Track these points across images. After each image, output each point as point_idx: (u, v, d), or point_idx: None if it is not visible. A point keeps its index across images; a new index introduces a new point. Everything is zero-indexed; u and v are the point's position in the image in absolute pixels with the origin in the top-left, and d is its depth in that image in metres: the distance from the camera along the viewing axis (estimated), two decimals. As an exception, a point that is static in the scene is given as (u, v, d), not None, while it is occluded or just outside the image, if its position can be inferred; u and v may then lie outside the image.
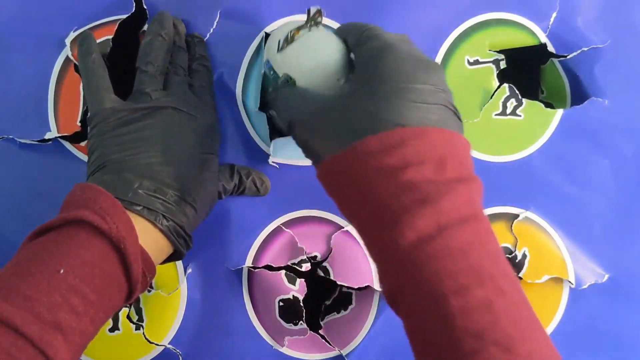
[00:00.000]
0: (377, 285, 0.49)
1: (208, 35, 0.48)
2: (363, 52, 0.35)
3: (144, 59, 0.43)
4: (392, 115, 0.31)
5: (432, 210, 0.29)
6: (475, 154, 0.50)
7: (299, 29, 0.38)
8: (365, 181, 0.31)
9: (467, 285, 0.29)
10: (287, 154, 0.49)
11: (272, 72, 0.40)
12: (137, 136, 0.40)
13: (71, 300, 0.33)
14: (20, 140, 0.47)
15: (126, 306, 0.45)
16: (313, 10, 0.38)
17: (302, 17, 0.48)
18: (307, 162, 0.49)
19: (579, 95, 0.51)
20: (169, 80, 0.44)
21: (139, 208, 0.38)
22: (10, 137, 0.47)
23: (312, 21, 0.38)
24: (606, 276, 0.51)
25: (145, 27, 0.47)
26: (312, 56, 0.38)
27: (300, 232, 0.49)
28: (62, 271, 0.33)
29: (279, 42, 0.38)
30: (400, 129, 0.31)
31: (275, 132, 0.49)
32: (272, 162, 0.49)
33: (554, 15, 0.50)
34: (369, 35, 0.36)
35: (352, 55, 0.38)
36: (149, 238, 0.38)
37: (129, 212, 0.37)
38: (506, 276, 0.30)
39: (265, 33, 0.48)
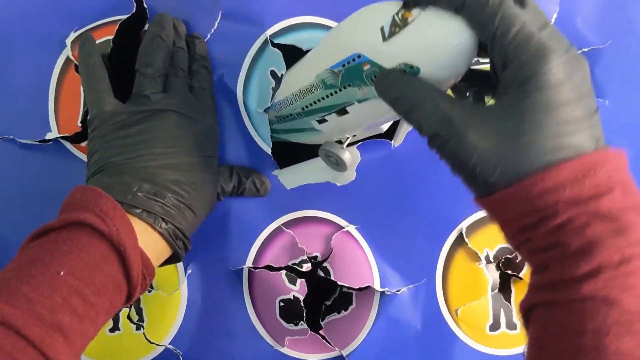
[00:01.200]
0: (377, 286, 0.49)
1: (209, 36, 0.48)
2: (520, 61, 0.29)
3: (144, 61, 0.43)
4: (573, 140, 0.29)
5: (622, 241, 0.29)
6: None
7: (406, 9, 0.32)
8: (550, 210, 0.30)
9: (630, 321, 0.29)
10: (293, 180, 0.49)
11: (370, 69, 0.34)
12: (137, 139, 0.40)
13: (72, 302, 0.33)
14: (21, 140, 0.47)
15: (126, 306, 0.45)
16: None
17: (302, 19, 0.48)
18: (314, 180, 0.49)
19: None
20: (169, 82, 0.44)
21: (138, 211, 0.38)
22: (11, 137, 0.47)
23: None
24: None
25: (147, 28, 0.47)
26: (444, 40, 0.31)
27: (301, 232, 0.49)
28: (62, 273, 0.33)
29: (382, 29, 0.33)
30: (587, 156, 0.29)
31: (281, 157, 0.49)
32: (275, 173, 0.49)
33: (555, 16, 0.50)
34: (522, 36, 0.29)
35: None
36: (148, 240, 0.39)
37: (128, 214, 0.37)
38: None
39: (268, 38, 0.48)
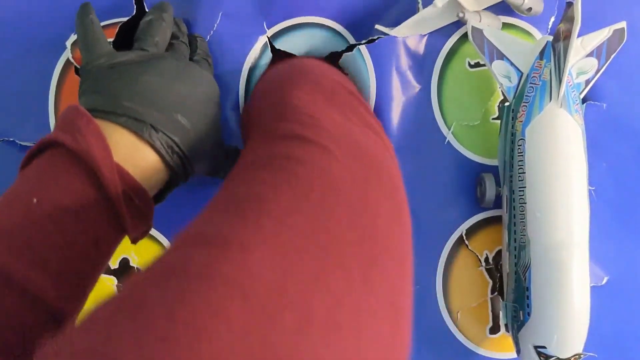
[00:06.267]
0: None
1: (209, 37, 0.48)
2: None
3: (143, 34, 0.41)
4: None
5: None
6: (474, 157, 0.50)
7: None
8: None
9: None
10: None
11: None
12: (131, 73, 0.38)
13: (47, 228, 0.31)
14: (21, 142, 0.47)
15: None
16: None
17: (302, 19, 0.49)
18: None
19: (578, 99, 0.51)
20: (171, 45, 0.43)
21: (123, 119, 0.35)
22: (11, 139, 0.47)
23: None
24: (605, 279, 0.51)
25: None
26: None
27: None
28: (35, 201, 0.31)
29: None
30: None
31: None
32: None
33: (552, 19, 0.51)
34: None
35: None
36: (136, 153, 0.35)
37: (114, 125, 0.35)
38: None
39: (268, 40, 0.48)
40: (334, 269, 0.24)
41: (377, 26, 0.48)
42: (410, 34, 0.49)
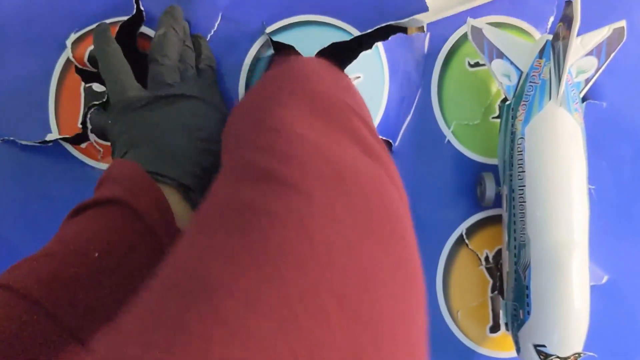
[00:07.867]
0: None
1: (209, 37, 0.48)
2: None
3: (160, 52, 0.43)
4: None
5: None
6: (474, 156, 0.50)
7: None
8: None
9: None
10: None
11: None
12: (165, 119, 0.40)
13: (101, 282, 0.32)
14: (21, 141, 0.47)
15: None
16: None
17: (301, 17, 0.49)
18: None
19: (577, 98, 0.51)
20: (183, 75, 0.44)
21: (170, 181, 0.37)
22: (11, 138, 0.47)
23: None
24: (605, 278, 0.51)
25: (142, 29, 0.47)
26: None
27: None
28: (97, 255, 0.32)
29: None
30: None
31: None
32: None
33: (551, 19, 0.51)
34: None
35: None
36: (183, 213, 0.37)
37: (167, 187, 0.37)
38: None
39: (267, 36, 0.48)
40: None
41: (392, 23, 0.48)
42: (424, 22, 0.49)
